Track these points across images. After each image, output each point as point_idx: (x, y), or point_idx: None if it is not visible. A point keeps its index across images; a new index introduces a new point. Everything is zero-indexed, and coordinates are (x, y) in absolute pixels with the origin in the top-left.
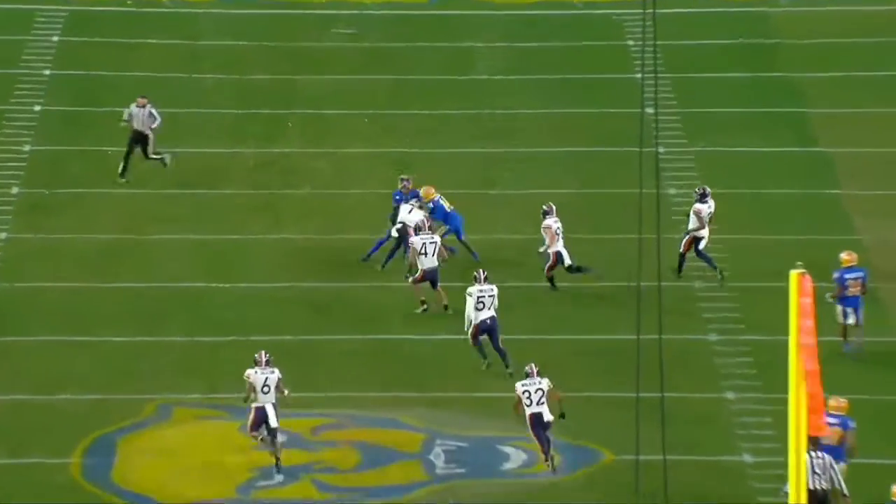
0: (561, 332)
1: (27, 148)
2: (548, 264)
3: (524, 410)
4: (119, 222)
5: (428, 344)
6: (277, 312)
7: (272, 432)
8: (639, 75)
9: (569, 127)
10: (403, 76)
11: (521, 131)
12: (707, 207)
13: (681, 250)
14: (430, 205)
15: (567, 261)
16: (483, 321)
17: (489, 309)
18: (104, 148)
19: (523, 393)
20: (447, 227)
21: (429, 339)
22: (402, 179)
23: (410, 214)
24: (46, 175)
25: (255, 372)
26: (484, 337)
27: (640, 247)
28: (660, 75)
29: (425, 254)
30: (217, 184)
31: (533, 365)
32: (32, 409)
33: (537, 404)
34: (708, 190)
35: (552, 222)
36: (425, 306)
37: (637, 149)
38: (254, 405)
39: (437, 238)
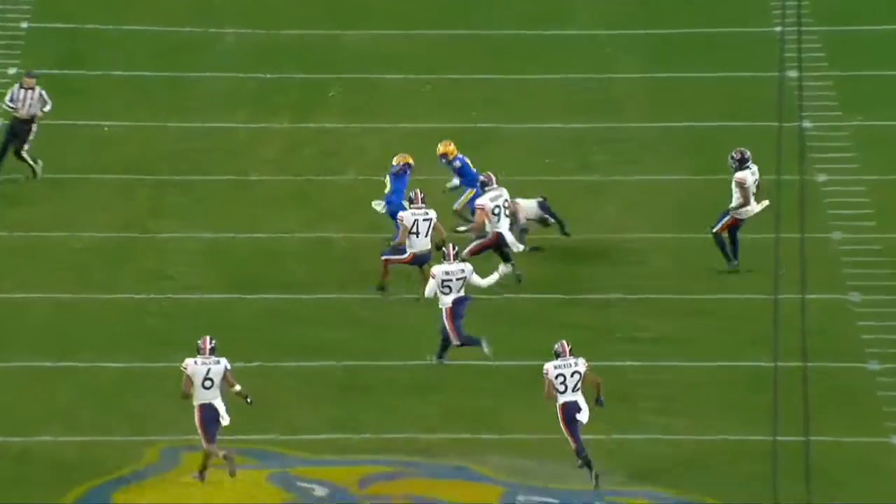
0: (679, 356)
1: (1, 122)
2: (480, 243)
3: (557, 398)
4: (116, 217)
5: (500, 372)
6: (314, 331)
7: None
8: (778, 28)
9: (685, 96)
10: (474, 31)
11: (622, 102)
12: (752, 175)
13: (715, 229)
14: (457, 162)
15: (511, 242)
16: (454, 303)
17: (457, 293)
18: (97, 122)
19: (557, 377)
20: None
21: (504, 365)
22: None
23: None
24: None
25: (195, 362)
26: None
27: (776, 251)
28: (806, 29)
29: (417, 233)
30: (239, 168)
31: (564, 342)
32: (5, 454)
33: (573, 391)
34: (748, 153)
35: (488, 201)
36: (383, 291)
37: (775, 124)
38: (196, 403)
39: (432, 214)
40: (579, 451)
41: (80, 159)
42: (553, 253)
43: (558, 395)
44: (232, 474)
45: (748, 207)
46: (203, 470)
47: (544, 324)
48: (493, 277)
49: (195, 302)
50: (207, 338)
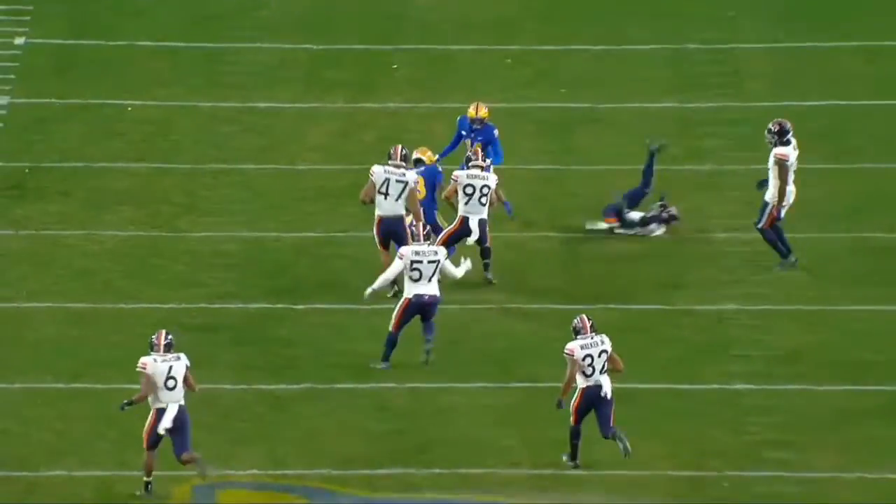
0: (806, 379)
1: (3, 101)
2: (447, 232)
3: (579, 383)
4: (139, 213)
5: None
6: (372, 347)
7: (181, 446)
8: None
9: (818, 70)
10: None
11: (743, 76)
12: (794, 151)
13: (761, 225)
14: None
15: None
16: (419, 296)
17: (428, 281)
18: (119, 102)
19: (585, 359)
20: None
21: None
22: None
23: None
24: (29, 141)
25: (154, 360)
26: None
27: None
28: None
29: (386, 194)
30: (284, 156)
31: (585, 317)
32: (10, 490)
33: (600, 373)
34: (788, 125)
35: (464, 176)
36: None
37: None
38: (156, 407)
39: (410, 177)
40: (576, 444)
41: (97, 145)
42: (652, 254)
43: (585, 379)
44: (202, 476)
45: (789, 189)
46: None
47: (641, 339)
48: (466, 266)
49: (232, 313)
50: (163, 332)
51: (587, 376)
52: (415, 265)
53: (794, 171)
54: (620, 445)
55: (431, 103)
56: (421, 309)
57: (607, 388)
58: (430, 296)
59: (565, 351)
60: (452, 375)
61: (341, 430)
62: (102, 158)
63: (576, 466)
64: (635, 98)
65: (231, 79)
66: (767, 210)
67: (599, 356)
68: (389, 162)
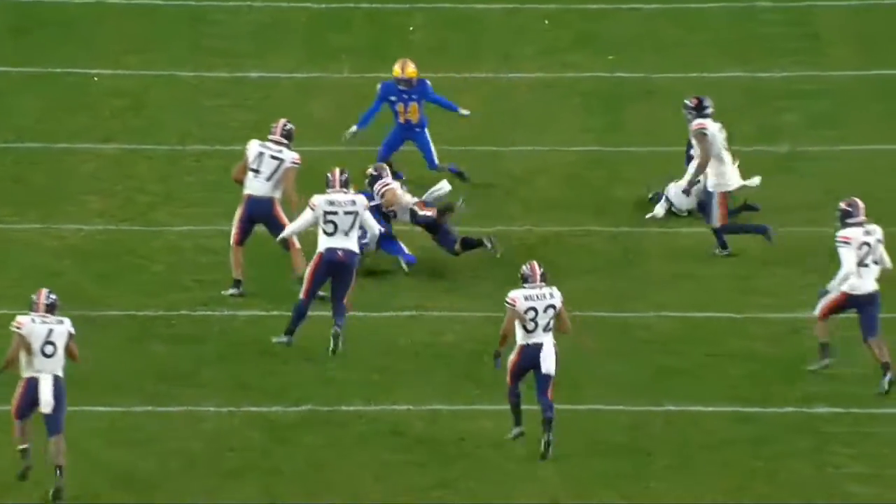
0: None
1: None
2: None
3: (518, 339)
4: (109, 203)
5: (645, 422)
6: (386, 362)
7: (53, 425)
8: None
9: None
10: None
11: (824, 41)
12: (714, 124)
13: (714, 223)
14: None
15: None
16: (331, 251)
17: (344, 235)
18: (84, 70)
19: (527, 311)
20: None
21: (647, 410)
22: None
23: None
24: None
25: (33, 320)
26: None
27: None
28: None
29: (257, 171)
30: (316, 137)
31: (535, 264)
32: None
33: (544, 330)
34: (707, 100)
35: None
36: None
37: None
38: (25, 376)
39: (287, 156)
40: (547, 424)
41: (58, 122)
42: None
43: (526, 334)
44: (27, 469)
45: (726, 170)
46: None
47: (705, 353)
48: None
49: (221, 321)
50: (44, 291)
51: (528, 332)
52: (329, 216)
53: (728, 150)
54: (543, 438)
55: (455, 73)
56: (333, 268)
57: (550, 348)
58: (345, 251)
59: (507, 299)
60: (478, 396)
61: (348, 461)
62: (64, 137)
63: (521, 434)
64: (695, 66)
65: (218, 43)
66: (714, 203)
67: (545, 311)
68: (270, 137)
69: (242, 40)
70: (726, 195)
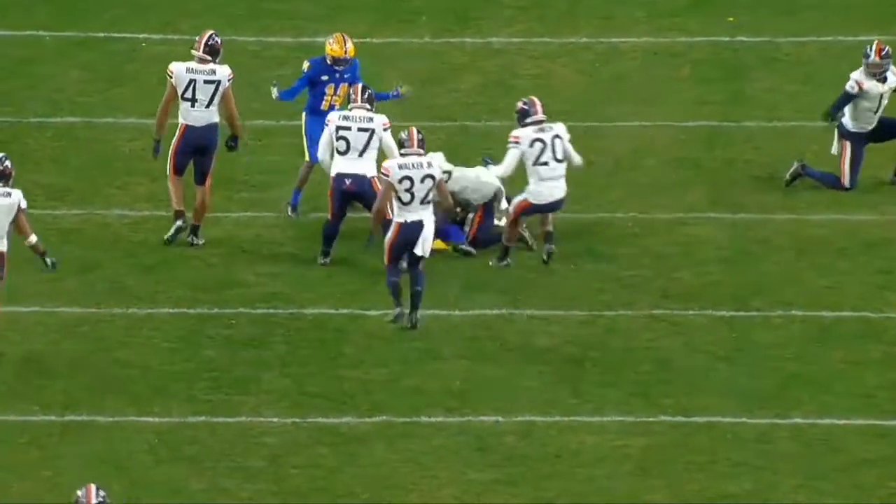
0: None
1: None
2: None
3: (395, 215)
4: (151, 187)
5: (741, 432)
6: (470, 368)
7: None
8: None
9: None
10: None
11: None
12: (534, 134)
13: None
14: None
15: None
16: (340, 177)
17: (359, 155)
18: (128, 35)
19: (402, 181)
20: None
21: (736, 422)
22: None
23: None
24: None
25: None
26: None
27: None
28: None
29: (193, 100)
30: (395, 107)
31: (414, 129)
32: None
33: (421, 204)
34: (536, 105)
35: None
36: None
37: None
38: None
39: (221, 73)
40: (414, 305)
41: (101, 93)
42: (854, 240)
43: (400, 208)
44: None
45: (537, 187)
46: None
47: (837, 358)
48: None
49: (284, 320)
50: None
51: (403, 204)
52: (342, 133)
53: (546, 164)
54: (411, 316)
55: (550, 38)
56: (350, 193)
57: (430, 229)
58: (355, 176)
59: (381, 170)
60: (577, 406)
61: (428, 480)
62: (107, 111)
63: (401, 314)
64: (828, 30)
65: (281, 5)
66: (515, 204)
67: (423, 181)
68: (194, 54)
69: (308, 2)
70: (525, 205)
